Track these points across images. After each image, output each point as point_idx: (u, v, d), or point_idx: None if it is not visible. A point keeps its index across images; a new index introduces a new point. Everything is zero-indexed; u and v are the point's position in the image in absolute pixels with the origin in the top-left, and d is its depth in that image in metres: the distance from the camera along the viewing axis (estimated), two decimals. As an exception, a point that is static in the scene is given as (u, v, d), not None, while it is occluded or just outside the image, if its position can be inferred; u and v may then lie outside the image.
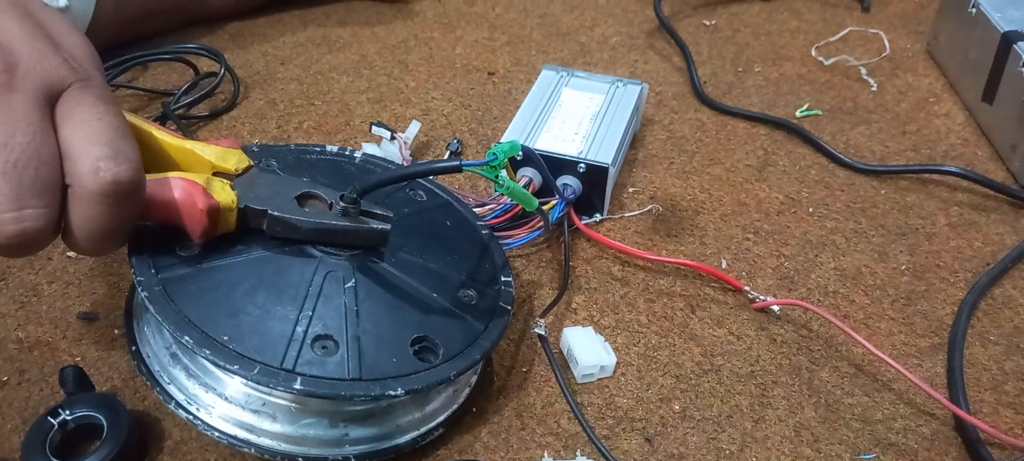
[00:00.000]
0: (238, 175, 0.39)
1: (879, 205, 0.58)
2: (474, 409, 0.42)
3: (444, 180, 0.55)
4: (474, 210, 0.49)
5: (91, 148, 0.32)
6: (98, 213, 0.32)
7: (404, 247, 0.42)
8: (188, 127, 0.61)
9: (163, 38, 0.70)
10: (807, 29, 0.80)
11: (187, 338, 0.34)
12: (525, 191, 0.41)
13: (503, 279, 0.44)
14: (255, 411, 0.37)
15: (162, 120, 0.60)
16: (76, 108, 0.32)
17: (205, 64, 0.67)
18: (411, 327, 0.38)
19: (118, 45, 0.66)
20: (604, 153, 0.53)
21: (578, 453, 0.40)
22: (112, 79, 0.64)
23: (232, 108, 0.64)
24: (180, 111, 0.61)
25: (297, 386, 0.34)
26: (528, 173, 0.52)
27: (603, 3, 0.84)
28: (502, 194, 0.52)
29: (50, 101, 0.32)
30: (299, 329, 0.36)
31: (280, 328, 0.36)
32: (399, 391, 0.36)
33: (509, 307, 0.43)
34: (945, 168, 0.60)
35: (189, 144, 0.39)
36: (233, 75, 0.66)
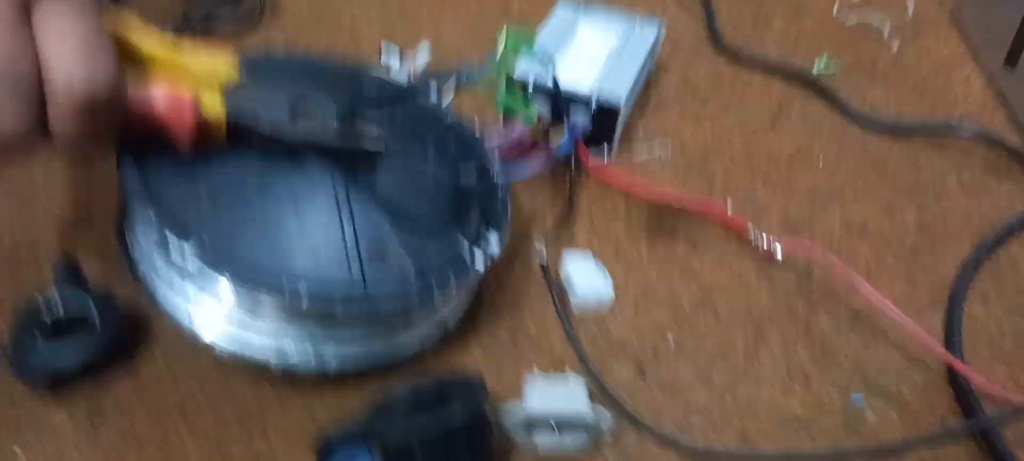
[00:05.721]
0: (230, 85, 0.38)
1: (891, 163, 0.57)
2: (468, 329, 0.42)
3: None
4: (478, 136, 0.48)
5: (63, 60, 0.31)
6: (75, 123, 0.32)
7: (398, 157, 0.42)
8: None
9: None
10: (831, -13, 0.79)
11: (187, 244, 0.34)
12: (519, 93, 0.40)
13: (500, 187, 0.44)
14: (249, 311, 0.37)
15: (180, 31, 0.60)
16: (49, 16, 0.31)
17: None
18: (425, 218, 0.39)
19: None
20: (617, 92, 0.52)
21: (567, 369, 0.40)
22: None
23: (255, 29, 0.63)
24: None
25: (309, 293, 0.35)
26: (537, 107, 0.51)
27: (625, -52, 0.82)
28: (503, 111, 0.51)
29: (26, 6, 0.31)
30: (302, 244, 0.36)
31: (284, 244, 0.36)
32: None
33: (507, 214, 0.43)
34: (960, 128, 0.59)
35: (179, 54, 0.38)
36: None
